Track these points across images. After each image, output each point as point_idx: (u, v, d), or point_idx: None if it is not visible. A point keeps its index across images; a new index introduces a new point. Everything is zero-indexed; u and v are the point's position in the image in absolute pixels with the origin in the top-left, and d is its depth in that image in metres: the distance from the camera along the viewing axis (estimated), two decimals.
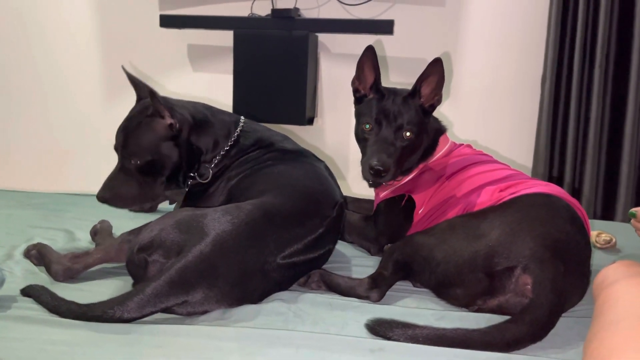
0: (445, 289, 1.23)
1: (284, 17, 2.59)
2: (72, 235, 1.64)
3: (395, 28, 2.43)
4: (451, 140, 1.63)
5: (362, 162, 1.49)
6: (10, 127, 3.05)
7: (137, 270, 1.23)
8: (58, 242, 1.56)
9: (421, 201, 1.51)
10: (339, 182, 1.57)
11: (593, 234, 1.63)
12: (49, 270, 1.33)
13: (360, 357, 1.00)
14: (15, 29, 2.95)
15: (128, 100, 1.66)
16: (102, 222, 1.60)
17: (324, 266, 1.39)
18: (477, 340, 1.02)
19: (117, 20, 2.89)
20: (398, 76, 2.54)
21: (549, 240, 1.16)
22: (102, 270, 1.38)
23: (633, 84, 2.39)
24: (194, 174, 1.54)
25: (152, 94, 1.44)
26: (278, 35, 2.58)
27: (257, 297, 1.22)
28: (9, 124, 3.05)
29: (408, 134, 1.48)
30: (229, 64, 2.66)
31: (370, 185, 1.62)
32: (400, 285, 1.33)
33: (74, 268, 1.32)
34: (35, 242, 1.46)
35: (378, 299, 1.24)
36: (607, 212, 2.48)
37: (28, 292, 1.20)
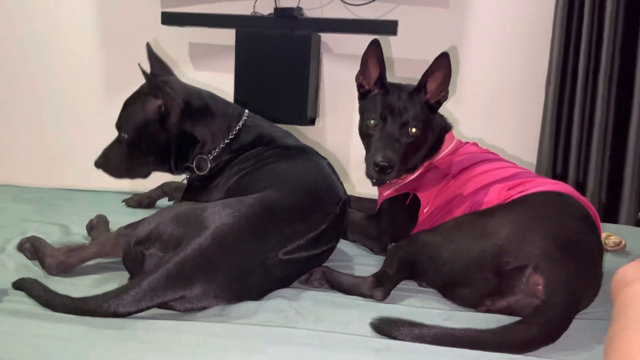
0: (452, 289, 1.19)
1: (286, 16, 2.56)
2: (67, 229, 1.59)
3: (399, 29, 2.40)
4: (457, 138, 1.60)
5: (367, 159, 1.45)
6: (8, 123, 3.01)
7: (134, 264, 1.19)
8: (53, 236, 1.51)
9: (426, 200, 1.47)
10: None
11: (602, 236, 1.59)
12: (42, 264, 1.29)
13: (365, 356, 0.96)
14: (15, 25, 2.92)
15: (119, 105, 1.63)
16: (99, 216, 1.56)
17: (325, 264, 1.35)
18: (487, 340, 0.98)
19: (118, 17, 2.86)
20: (401, 77, 2.51)
21: (561, 239, 1.12)
22: (98, 265, 1.33)
23: (638, 88, 2.37)
24: (192, 164, 1.50)
25: (145, 73, 1.43)
26: (280, 35, 2.55)
27: (257, 293, 1.18)
28: (7, 120, 3.01)
29: (414, 130, 1.44)
30: (230, 62, 2.63)
31: (374, 184, 1.59)
32: (405, 284, 1.29)
33: (68, 262, 1.28)
34: (29, 235, 1.42)
35: (382, 298, 1.20)
36: (611, 216, 2.44)
37: (20, 285, 1.17)
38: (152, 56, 1.64)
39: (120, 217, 1.57)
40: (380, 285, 1.21)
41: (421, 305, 1.20)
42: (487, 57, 2.61)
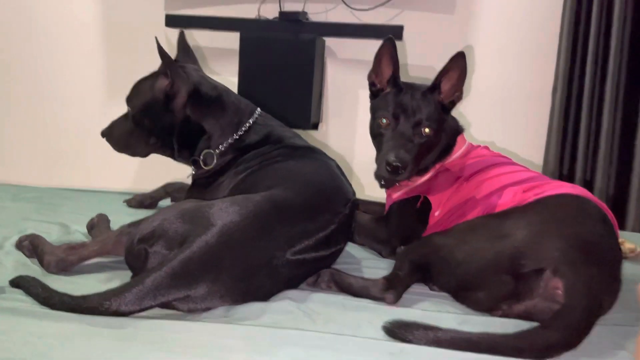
0: (466, 292, 1.15)
1: (291, 20, 2.53)
2: (67, 228, 1.55)
3: (404, 34, 2.38)
4: (468, 141, 1.56)
5: (378, 159, 1.41)
6: (8, 123, 2.97)
7: (137, 262, 1.15)
8: (52, 235, 1.47)
9: (437, 203, 1.44)
10: None
11: None
12: (41, 262, 1.25)
13: None
14: (17, 26, 2.89)
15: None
16: (100, 215, 1.52)
17: (333, 266, 1.31)
18: (506, 345, 0.94)
19: (121, 19, 2.84)
20: None
21: (581, 242, 1.09)
22: (99, 263, 1.29)
23: None
24: (199, 157, 1.46)
25: (161, 49, 1.43)
26: (285, 38, 2.52)
27: (264, 294, 1.14)
28: (7, 120, 2.97)
29: (427, 130, 1.41)
30: (234, 66, 2.60)
31: (382, 186, 1.55)
32: (417, 288, 1.25)
33: (68, 260, 1.23)
34: (28, 233, 1.38)
35: (394, 301, 1.16)
36: (617, 223, 2.41)
37: (18, 282, 1.13)
38: (182, 45, 1.65)
39: (122, 218, 1.53)
40: (392, 288, 1.17)
41: (434, 309, 1.15)
42: (492, 63, 2.58)
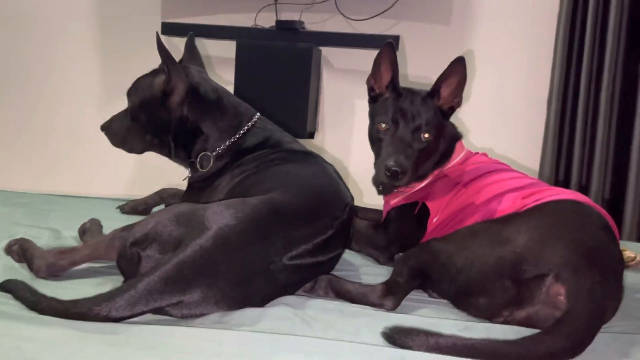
0: (467, 299, 1.13)
1: (288, 29, 2.53)
2: (58, 233, 1.52)
3: (400, 44, 2.38)
4: (467, 148, 1.55)
5: (376, 164, 1.40)
6: (2, 130, 2.94)
7: (129, 266, 1.12)
8: (42, 240, 1.43)
9: (436, 209, 1.42)
10: None
11: None
12: (30, 266, 1.21)
13: None
14: (14, 31, 2.87)
15: (125, 106, 1.60)
16: (92, 220, 1.49)
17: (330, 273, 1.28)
18: (509, 352, 0.92)
19: (118, 27, 2.83)
20: None
21: (583, 248, 1.07)
22: (90, 268, 1.26)
23: None
24: (195, 159, 1.44)
25: (160, 45, 1.43)
26: (281, 47, 2.52)
27: (260, 300, 1.11)
28: (2, 127, 2.94)
29: (426, 135, 1.39)
30: (230, 74, 2.59)
31: (380, 192, 1.53)
32: (416, 294, 1.23)
33: (58, 264, 1.20)
34: (17, 237, 1.34)
35: (393, 308, 1.14)
36: None
37: (5, 287, 1.09)
38: (189, 48, 1.66)
39: (115, 224, 1.48)
40: (391, 294, 1.14)
41: (434, 316, 1.13)
42: (488, 74, 2.59)
